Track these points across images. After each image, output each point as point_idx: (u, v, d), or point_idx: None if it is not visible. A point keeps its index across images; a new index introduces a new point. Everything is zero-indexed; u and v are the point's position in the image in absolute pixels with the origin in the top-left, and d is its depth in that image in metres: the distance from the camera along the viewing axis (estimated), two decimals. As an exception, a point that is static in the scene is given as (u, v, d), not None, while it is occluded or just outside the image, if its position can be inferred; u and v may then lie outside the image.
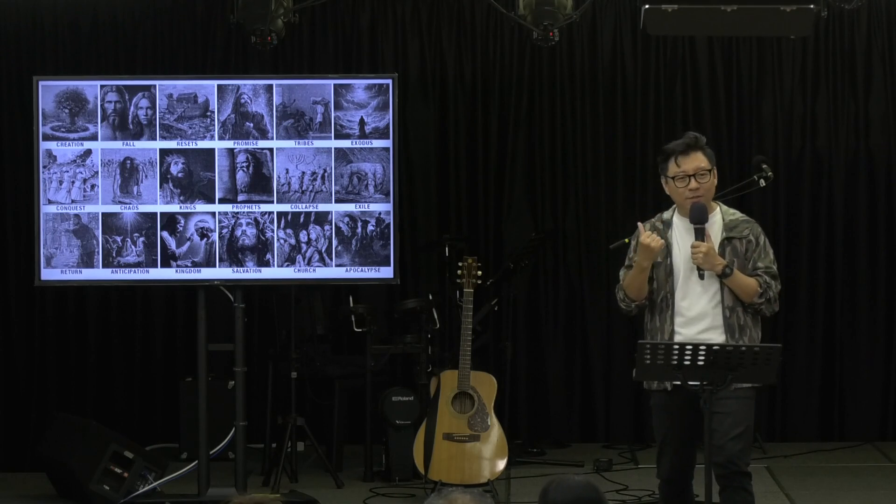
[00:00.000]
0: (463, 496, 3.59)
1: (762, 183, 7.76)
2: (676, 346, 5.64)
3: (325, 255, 7.50)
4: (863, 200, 9.28)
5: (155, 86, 7.54)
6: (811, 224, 9.30)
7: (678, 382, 5.84)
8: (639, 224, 6.16)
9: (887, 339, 9.27)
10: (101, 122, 7.49)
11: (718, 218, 6.11)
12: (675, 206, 6.15)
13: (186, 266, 7.50)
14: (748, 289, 5.98)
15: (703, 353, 5.58)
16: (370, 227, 7.49)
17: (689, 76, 9.31)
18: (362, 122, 7.49)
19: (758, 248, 6.05)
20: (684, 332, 6.03)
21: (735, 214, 6.14)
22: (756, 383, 5.94)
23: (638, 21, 8.07)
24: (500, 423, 7.75)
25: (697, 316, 6.02)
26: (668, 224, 6.13)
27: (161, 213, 7.49)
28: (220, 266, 7.49)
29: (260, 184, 7.50)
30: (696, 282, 6.02)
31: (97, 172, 7.48)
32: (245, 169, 7.49)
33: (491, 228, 9.37)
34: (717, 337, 5.96)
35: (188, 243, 7.50)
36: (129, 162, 7.49)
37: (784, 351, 6.32)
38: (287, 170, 7.50)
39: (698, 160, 6.05)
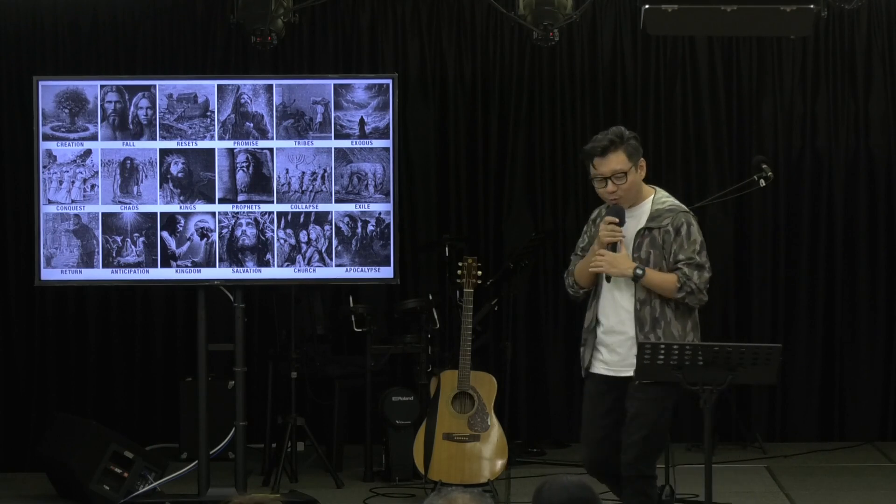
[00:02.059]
0: (463, 496, 3.59)
1: (762, 183, 7.75)
2: (676, 347, 5.67)
3: (325, 255, 7.49)
4: (863, 200, 9.27)
5: (155, 86, 7.54)
6: (811, 224, 9.30)
7: (594, 371, 5.96)
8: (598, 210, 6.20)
9: (887, 339, 9.27)
10: (101, 122, 7.49)
11: (647, 207, 6.05)
12: None
13: (186, 266, 7.50)
14: (666, 287, 5.94)
15: (702, 353, 5.60)
16: (370, 227, 7.49)
17: (689, 76, 9.31)
18: (362, 122, 7.49)
19: (678, 238, 5.97)
20: (604, 320, 6.04)
21: (664, 203, 6.06)
22: (756, 383, 5.95)
23: (638, 21, 8.07)
24: (500, 423, 7.75)
25: (617, 305, 6.02)
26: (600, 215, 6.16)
27: (161, 213, 7.49)
28: (220, 266, 7.49)
29: (260, 184, 7.49)
30: None
31: (97, 172, 7.47)
32: (245, 169, 7.49)
33: (491, 228, 9.37)
34: (629, 328, 5.96)
35: (188, 243, 7.50)
36: (129, 162, 7.49)
37: (784, 351, 6.30)
38: (287, 170, 7.49)
39: (613, 163, 5.98)
